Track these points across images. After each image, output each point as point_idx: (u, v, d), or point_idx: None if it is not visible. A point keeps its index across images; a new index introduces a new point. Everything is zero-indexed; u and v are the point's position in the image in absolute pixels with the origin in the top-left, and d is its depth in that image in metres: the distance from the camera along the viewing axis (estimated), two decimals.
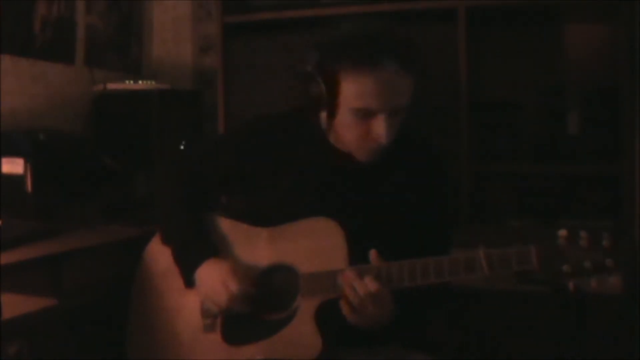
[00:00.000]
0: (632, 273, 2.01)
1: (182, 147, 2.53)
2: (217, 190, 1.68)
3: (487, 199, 2.48)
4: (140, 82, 2.59)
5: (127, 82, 2.58)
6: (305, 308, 1.43)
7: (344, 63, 1.38)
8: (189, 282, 1.53)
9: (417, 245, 1.41)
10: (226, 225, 1.60)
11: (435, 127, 2.33)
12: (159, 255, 1.65)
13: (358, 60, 1.36)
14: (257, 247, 1.53)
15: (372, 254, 1.37)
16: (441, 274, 1.33)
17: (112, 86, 2.55)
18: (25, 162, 2.06)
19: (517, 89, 2.50)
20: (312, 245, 1.45)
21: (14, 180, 2.06)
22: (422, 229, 1.50)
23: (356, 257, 1.40)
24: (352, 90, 1.38)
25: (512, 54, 2.51)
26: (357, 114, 1.40)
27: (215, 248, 1.54)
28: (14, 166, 2.08)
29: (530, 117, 2.44)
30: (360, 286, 1.34)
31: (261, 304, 1.50)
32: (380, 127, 1.39)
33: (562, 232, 1.27)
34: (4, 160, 2.08)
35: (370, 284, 1.33)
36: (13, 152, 2.08)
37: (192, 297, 1.57)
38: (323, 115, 1.44)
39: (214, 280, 1.48)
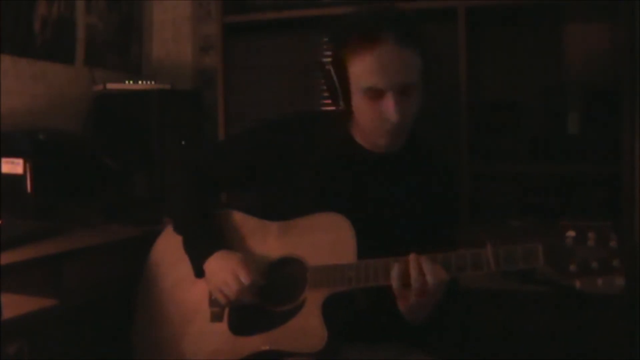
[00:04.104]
0: (632, 273, 2.02)
1: (182, 144, 2.53)
2: (231, 184, 1.70)
3: (487, 199, 2.48)
4: (140, 82, 2.59)
5: (127, 82, 2.58)
6: (313, 300, 1.43)
7: (347, 46, 1.41)
8: (199, 273, 1.55)
9: (424, 243, 1.41)
10: (238, 219, 1.61)
11: (435, 127, 2.33)
12: (167, 247, 1.66)
13: (358, 40, 1.39)
14: (267, 240, 1.55)
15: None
16: (448, 270, 1.32)
17: (112, 86, 2.56)
18: (25, 162, 2.06)
19: (517, 89, 2.50)
20: (321, 240, 1.46)
21: (14, 180, 2.06)
22: (430, 228, 1.50)
23: (364, 251, 1.41)
24: (358, 70, 1.41)
25: (512, 54, 2.51)
26: (368, 95, 1.41)
27: (226, 240, 1.55)
28: (14, 166, 2.08)
29: (530, 117, 2.44)
30: (431, 272, 1.31)
31: (269, 295, 1.51)
32: (389, 106, 1.40)
33: (570, 233, 1.25)
34: (4, 160, 2.08)
35: (442, 272, 1.31)
36: (13, 152, 2.08)
37: (199, 287, 1.58)
38: (343, 105, 1.46)
39: (225, 271, 1.48)
